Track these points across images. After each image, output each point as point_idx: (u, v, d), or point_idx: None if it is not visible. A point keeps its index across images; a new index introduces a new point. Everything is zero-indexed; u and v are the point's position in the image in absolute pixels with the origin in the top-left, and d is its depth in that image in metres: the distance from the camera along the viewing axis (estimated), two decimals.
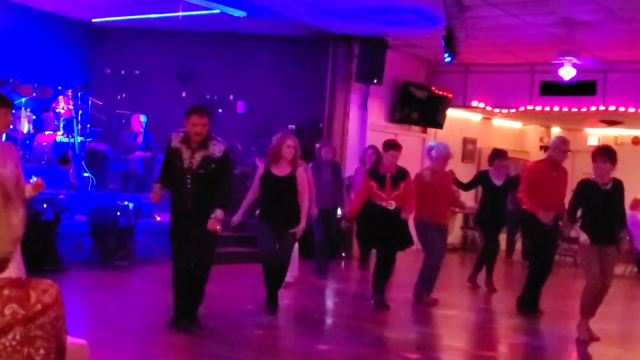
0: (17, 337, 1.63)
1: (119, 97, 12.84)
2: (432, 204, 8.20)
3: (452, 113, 14.46)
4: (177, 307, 6.33)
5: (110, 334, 6.23)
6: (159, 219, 10.88)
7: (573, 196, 6.96)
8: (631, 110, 13.01)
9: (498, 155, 9.86)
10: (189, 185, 6.19)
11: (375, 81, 12.69)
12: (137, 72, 13.13)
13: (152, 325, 6.86)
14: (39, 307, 1.69)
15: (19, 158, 4.96)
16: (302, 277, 9.24)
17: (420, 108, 13.78)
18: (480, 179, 10.10)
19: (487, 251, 9.70)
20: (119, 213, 9.78)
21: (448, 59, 11.08)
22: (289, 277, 8.50)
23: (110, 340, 5.92)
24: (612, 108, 13.13)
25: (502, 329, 7.71)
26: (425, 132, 14.51)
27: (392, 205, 7.76)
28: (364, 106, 13.28)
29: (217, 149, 6.24)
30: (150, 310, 7.54)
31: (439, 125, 14.11)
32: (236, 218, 7.43)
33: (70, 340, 2.97)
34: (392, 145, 8.01)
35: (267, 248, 7.27)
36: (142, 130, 11.85)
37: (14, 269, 4.28)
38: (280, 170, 7.16)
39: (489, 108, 14.50)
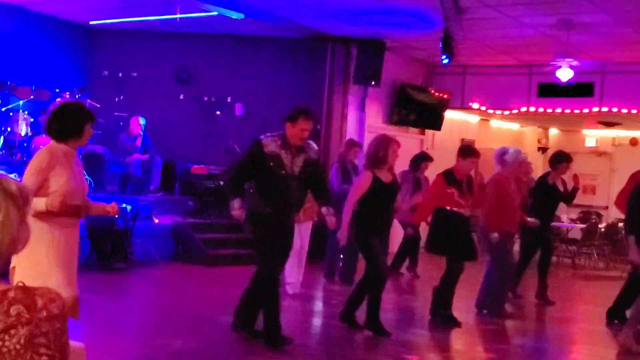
0: (22, 341, 1.63)
1: (116, 99, 12.84)
2: (508, 212, 7.82)
3: (450, 114, 14.47)
4: (274, 324, 5.93)
5: (108, 337, 6.22)
6: (157, 221, 10.89)
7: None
8: (629, 111, 13.03)
9: (565, 159, 9.12)
10: (295, 192, 5.91)
11: (373, 83, 12.71)
12: (135, 74, 13.12)
13: (149, 328, 6.86)
14: (44, 313, 1.69)
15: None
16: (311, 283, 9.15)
17: (418, 110, 13.79)
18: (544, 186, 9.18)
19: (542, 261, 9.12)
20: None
21: (446, 61, 11.09)
22: (291, 288, 8.45)
23: (108, 343, 5.91)
24: (609, 109, 13.15)
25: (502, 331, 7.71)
26: (423, 133, 14.52)
27: (467, 213, 7.40)
28: (361, 108, 13.29)
29: (312, 150, 6.04)
30: (148, 312, 7.54)
31: (437, 127, 14.13)
32: (343, 235, 6.64)
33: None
34: (472, 153, 7.46)
35: (384, 263, 6.72)
36: (140, 132, 11.85)
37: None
38: (385, 176, 6.63)
39: (486, 109, 14.51)
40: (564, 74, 11.65)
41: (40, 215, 4.24)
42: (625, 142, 16.41)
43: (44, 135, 11.29)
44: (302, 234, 8.15)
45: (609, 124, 15.24)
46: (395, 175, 6.84)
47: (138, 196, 11.10)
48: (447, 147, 13.45)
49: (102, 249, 9.67)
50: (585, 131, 16.96)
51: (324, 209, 6.14)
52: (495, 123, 16.32)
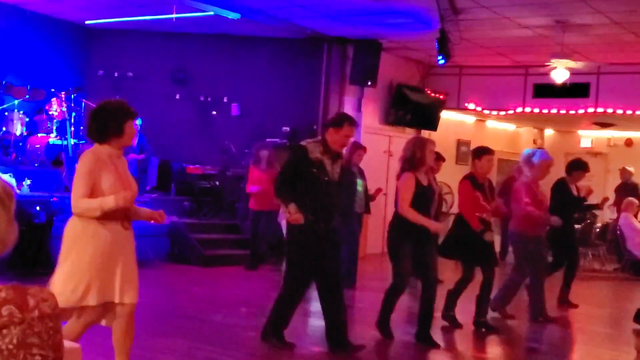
0: (14, 340, 1.63)
1: (112, 99, 12.80)
2: (540, 216, 7.62)
3: (446, 115, 14.48)
4: (335, 332, 5.87)
5: (103, 336, 6.20)
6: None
7: None
8: (624, 112, 13.05)
9: (582, 167, 8.91)
10: (336, 199, 5.86)
11: (369, 83, 12.71)
12: (131, 74, 13.11)
13: (144, 328, 6.84)
14: (36, 313, 1.69)
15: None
16: None
17: (415, 110, 13.80)
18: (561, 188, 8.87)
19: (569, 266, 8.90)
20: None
21: (442, 62, 11.10)
22: None
23: (102, 343, 5.89)
24: (604, 110, 13.18)
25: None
26: (419, 134, 14.52)
27: (489, 218, 7.13)
28: (358, 108, 13.28)
29: (342, 156, 6.05)
30: (142, 312, 7.51)
31: (433, 127, 14.14)
32: (437, 228, 6.49)
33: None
34: (486, 151, 7.23)
35: (408, 271, 6.43)
36: (136, 132, 11.81)
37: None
38: (423, 179, 6.37)
39: (482, 110, 14.53)
40: (560, 75, 11.67)
41: (89, 223, 4.16)
42: (620, 143, 16.44)
43: (39, 135, 11.29)
44: None
45: (604, 125, 15.27)
46: (431, 179, 6.50)
47: None
48: (443, 147, 13.38)
49: None
50: (580, 132, 16.99)
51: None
52: (491, 124, 16.33)
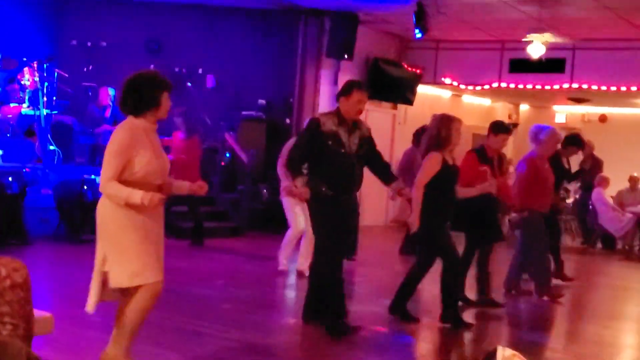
0: None
1: (85, 69, 12.65)
2: (542, 192, 7.55)
3: (422, 90, 14.48)
4: (339, 308, 5.69)
5: (76, 307, 6.16)
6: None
7: None
8: (599, 88, 13.14)
9: (577, 143, 8.91)
10: (355, 171, 5.65)
11: (345, 57, 12.64)
12: (104, 43, 12.93)
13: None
14: (8, 282, 1.66)
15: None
16: None
17: (391, 84, 13.77)
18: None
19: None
20: (86, 187, 9.66)
21: (419, 35, 11.08)
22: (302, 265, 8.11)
23: (75, 313, 5.86)
24: (579, 86, 13.25)
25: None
26: (395, 108, 14.51)
27: (496, 193, 6.95)
28: (334, 82, 13.22)
29: (365, 127, 5.76)
30: None
31: (409, 101, 14.13)
32: (414, 222, 6.10)
33: (35, 312, 2.94)
34: (505, 129, 7.15)
35: (455, 250, 6.23)
36: (110, 103, 11.70)
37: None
38: (449, 158, 6.18)
39: (458, 84, 14.54)
40: (536, 50, 11.70)
41: (115, 197, 4.04)
42: (594, 119, 16.59)
43: (11, 105, 11.12)
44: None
45: (579, 101, 15.38)
46: (454, 158, 6.28)
47: None
48: (419, 122, 13.42)
49: (71, 221, 9.58)
50: (555, 107, 17.10)
51: (394, 185, 5.88)
52: (467, 99, 16.37)
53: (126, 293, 4.21)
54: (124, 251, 4.09)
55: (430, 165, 6.07)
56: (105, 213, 4.15)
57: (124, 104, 4.19)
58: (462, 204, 6.54)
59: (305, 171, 5.62)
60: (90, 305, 4.26)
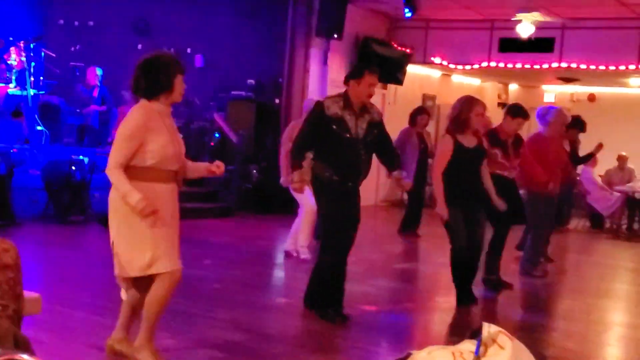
0: None
1: (72, 49, 12.55)
2: (549, 173, 7.47)
3: (412, 69, 14.44)
4: (332, 298, 5.55)
5: (64, 287, 6.19)
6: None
7: None
8: (587, 67, 13.14)
9: (578, 125, 8.90)
10: (362, 157, 5.43)
11: (335, 36, 12.58)
12: (91, 23, 12.83)
13: (105, 279, 6.81)
14: None
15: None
16: None
17: (381, 64, 13.71)
18: None
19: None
20: (74, 167, 9.63)
21: (408, 14, 11.05)
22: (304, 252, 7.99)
23: (64, 294, 5.88)
24: (568, 65, 13.26)
25: None
26: (385, 88, 14.46)
27: (512, 175, 6.97)
28: (324, 61, 13.16)
29: (375, 111, 5.55)
30: (104, 264, 7.47)
31: (399, 81, 14.10)
32: (443, 210, 6.02)
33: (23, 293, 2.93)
34: (522, 114, 7.02)
35: (464, 238, 6.10)
36: (98, 83, 11.62)
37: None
38: (468, 141, 6.06)
39: (448, 64, 14.52)
40: (525, 30, 11.68)
41: (135, 185, 3.92)
42: (583, 98, 16.61)
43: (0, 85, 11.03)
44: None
45: (568, 80, 15.38)
46: (481, 140, 6.18)
47: (95, 148, 10.92)
48: (409, 101, 13.45)
49: (59, 201, 9.55)
50: (544, 87, 17.12)
51: (396, 173, 5.68)
52: (456, 78, 16.35)
53: (141, 281, 4.10)
54: (134, 239, 3.98)
55: (442, 152, 6.06)
56: (114, 198, 4.05)
57: (137, 87, 4.09)
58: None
59: (309, 159, 5.47)
60: (122, 294, 4.22)
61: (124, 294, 4.19)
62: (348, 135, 5.35)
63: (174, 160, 4.07)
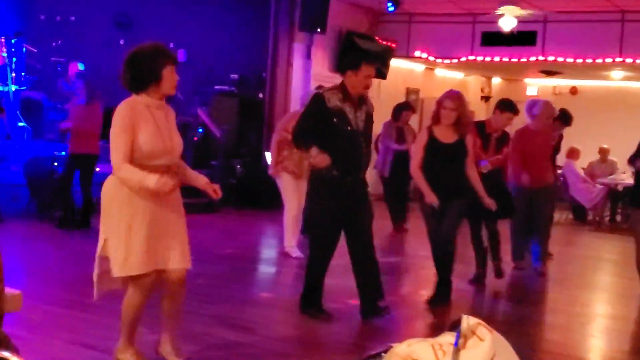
0: None
1: (54, 44, 12.45)
2: (533, 166, 7.49)
3: (395, 63, 14.46)
4: (314, 295, 5.49)
5: (46, 284, 6.15)
6: (98, 169, 10.68)
7: None
8: (570, 60, 13.22)
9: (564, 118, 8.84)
10: (364, 150, 5.33)
11: (318, 30, 12.57)
12: (73, 18, 12.73)
13: (88, 276, 6.78)
14: None
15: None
16: None
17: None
18: None
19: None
20: (56, 164, 9.56)
21: (391, 9, 11.05)
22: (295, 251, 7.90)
23: (45, 291, 5.85)
24: (551, 58, 13.32)
25: None
26: None
27: (487, 169, 6.87)
28: (307, 56, 13.15)
29: (370, 103, 5.46)
30: (87, 261, 7.44)
31: (382, 75, 14.10)
32: (432, 199, 5.90)
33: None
34: (511, 108, 7.02)
35: (434, 233, 6.11)
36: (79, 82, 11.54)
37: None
38: (445, 135, 5.99)
39: (431, 58, 14.55)
40: (507, 23, 11.72)
41: (129, 181, 3.81)
42: (565, 91, 16.70)
43: None
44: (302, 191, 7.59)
45: (550, 73, 15.46)
46: (464, 137, 6.05)
47: None
48: (392, 96, 13.47)
49: (41, 198, 9.48)
50: (527, 80, 17.19)
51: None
52: (440, 72, 16.39)
53: (125, 283, 4.03)
54: (120, 237, 3.88)
55: (417, 141, 6.12)
56: (109, 194, 3.95)
57: (124, 81, 3.96)
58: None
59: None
60: (94, 293, 4.09)
61: (95, 295, 4.10)
62: (349, 128, 5.24)
63: (162, 155, 3.92)
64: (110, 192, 3.95)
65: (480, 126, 7.08)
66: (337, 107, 5.23)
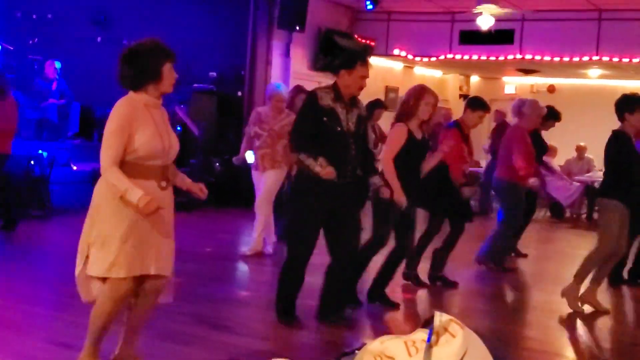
0: None
1: (31, 42, 12.34)
2: (527, 164, 7.47)
3: (374, 61, 14.45)
4: (290, 301, 5.32)
5: (23, 283, 6.11)
6: (75, 168, 10.63)
7: None
8: (547, 59, 13.32)
9: (555, 117, 8.87)
10: (353, 152, 5.12)
11: (297, 28, 12.57)
12: (50, 15, 12.61)
13: (68, 275, 6.73)
14: None
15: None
16: None
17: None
18: None
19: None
20: (32, 162, 9.50)
21: (370, 7, 11.06)
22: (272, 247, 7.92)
23: (22, 290, 5.81)
24: (529, 57, 13.41)
25: None
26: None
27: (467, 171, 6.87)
28: (286, 54, 13.15)
29: (362, 105, 5.32)
30: (66, 259, 7.40)
31: None
32: (401, 200, 5.68)
33: None
34: (483, 106, 6.99)
35: (387, 233, 5.87)
36: (56, 77, 11.47)
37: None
38: (416, 132, 5.81)
39: (410, 56, 14.59)
40: (485, 22, 11.78)
41: (113, 187, 3.69)
42: (543, 90, 16.81)
43: None
44: (264, 184, 7.72)
45: (528, 71, 15.56)
46: (424, 133, 5.90)
47: (55, 142, 10.78)
48: (371, 93, 13.43)
49: (18, 197, 9.40)
50: (505, 78, 17.29)
51: (372, 180, 5.42)
52: (418, 70, 16.44)
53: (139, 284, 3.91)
54: (107, 238, 3.76)
55: (395, 137, 5.77)
56: (102, 196, 3.82)
57: (122, 79, 3.86)
58: (429, 182, 6.22)
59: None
60: (82, 295, 3.91)
61: (83, 296, 3.94)
62: (339, 129, 5.08)
63: (160, 155, 3.85)
64: (103, 194, 3.82)
65: (460, 128, 6.92)
66: (329, 107, 5.09)
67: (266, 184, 7.75)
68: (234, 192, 11.53)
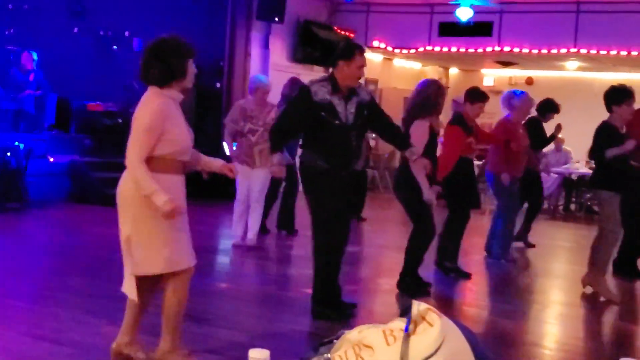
0: None
1: (7, 32, 12.19)
2: (515, 156, 7.55)
3: None
4: (326, 295, 5.27)
5: (5, 277, 6.05)
6: (52, 159, 10.53)
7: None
8: (525, 51, 13.38)
9: (554, 109, 9.05)
10: (354, 144, 5.11)
11: (276, 19, 12.52)
12: (26, 6, 12.46)
13: (45, 268, 6.70)
14: None
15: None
16: None
17: (323, 48, 13.72)
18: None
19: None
20: (9, 154, 9.40)
21: None
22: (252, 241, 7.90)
23: (5, 284, 5.75)
24: (507, 49, 13.48)
25: None
26: (327, 71, 14.46)
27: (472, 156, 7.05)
28: (265, 45, 13.11)
29: (364, 91, 5.25)
30: (45, 252, 7.34)
31: None
32: (430, 195, 5.86)
33: None
34: (482, 97, 7.07)
35: (433, 224, 6.09)
36: (33, 67, 11.35)
37: None
38: (436, 126, 6.02)
39: (389, 48, 14.60)
40: (464, 14, 11.81)
41: (138, 184, 3.71)
42: (521, 82, 16.89)
43: None
44: (258, 179, 7.74)
45: (507, 64, 15.64)
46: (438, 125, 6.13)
47: (31, 134, 10.67)
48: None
49: None
50: (483, 70, 17.36)
51: (408, 152, 5.46)
52: (398, 62, 16.45)
53: (146, 280, 3.91)
54: (151, 235, 3.78)
55: (423, 134, 5.86)
56: (126, 191, 3.81)
57: (148, 74, 3.85)
58: (457, 177, 6.59)
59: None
60: (131, 293, 3.88)
61: (133, 294, 3.88)
62: (337, 122, 5.03)
63: (187, 150, 3.92)
64: (130, 192, 3.79)
65: (463, 124, 6.91)
66: (325, 100, 5.02)
67: (262, 180, 7.76)
68: (212, 184, 11.45)
